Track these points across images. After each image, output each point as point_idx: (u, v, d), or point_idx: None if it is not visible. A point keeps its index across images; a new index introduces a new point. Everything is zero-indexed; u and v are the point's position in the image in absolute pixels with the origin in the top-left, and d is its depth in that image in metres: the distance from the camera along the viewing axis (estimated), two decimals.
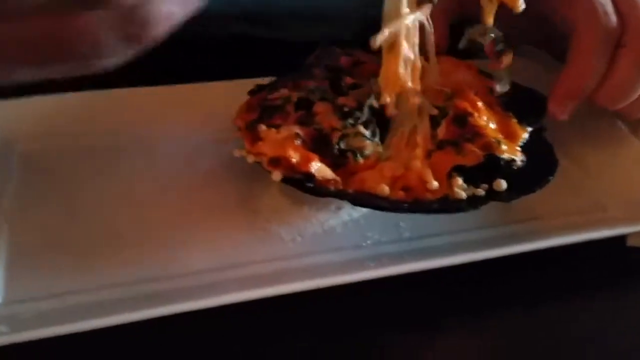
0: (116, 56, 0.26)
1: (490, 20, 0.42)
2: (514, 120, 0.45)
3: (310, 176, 0.38)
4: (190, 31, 0.51)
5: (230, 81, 0.49)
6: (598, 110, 0.46)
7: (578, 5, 0.44)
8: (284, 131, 0.41)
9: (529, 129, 0.45)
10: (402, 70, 0.40)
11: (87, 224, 0.40)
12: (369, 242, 0.41)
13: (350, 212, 0.43)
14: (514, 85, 0.49)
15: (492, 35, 0.43)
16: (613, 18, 0.43)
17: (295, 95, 0.44)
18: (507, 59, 0.43)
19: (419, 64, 0.40)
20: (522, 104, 0.47)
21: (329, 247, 0.40)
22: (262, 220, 0.42)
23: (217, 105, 0.46)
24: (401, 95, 0.41)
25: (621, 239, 0.42)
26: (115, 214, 0.41)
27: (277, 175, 0.39)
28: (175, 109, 0.48)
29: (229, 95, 0.46)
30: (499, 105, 0.47)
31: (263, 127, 0.42)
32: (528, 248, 0.40)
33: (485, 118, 0.44)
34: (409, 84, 0.40)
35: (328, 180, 0.39)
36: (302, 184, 0.38)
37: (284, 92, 0.45)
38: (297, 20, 0.55)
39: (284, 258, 0.39)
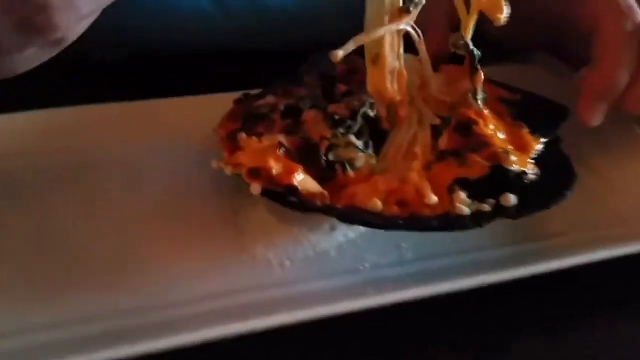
0: (18, 51, 0.23)
1: (467, 33, 0.39)
2: (526, 131, 0.41)
3: (293, 189, 0.34)
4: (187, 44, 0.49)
5: (218, 94, 0.46)
6: (619, 119, 0.42)
7: (598, 1, 0.40)
8: (266, 140, 0.37)
9: (543, 140, 0.41)
10: (389, 83, 0.37)
11: (55, 251, 0.36)
12: (367, 265, 0.38)
13: (346, 233, 0.39)
14: (527, 94, 0.45)
15: (469, 48, 0.39)
16: (637, 10, 0.39)
17: (283, 103, 0.41)
18: (478, 78, 0.40)
19: (405, 74, 0.38)
20: (535, 114, 0.43)
21: (323, 273, 0.37)
22: (248, 241, 0.38)
23: (203, 119, 0.42)
24: (392, 107, 0.39)
25: None
26: (88, 240, 0.37)
27: (256, 189, 0.35)
28: (157, 124, 0.44)
29: (215, 108, 0.42)
30: (509, 115, 0.42)
31: (243, 136, 0.38)
32: (542, 270, 0.35)
33: (492, 127, 0.40)
34: (397, 96, 0.38)
35: (314, 194, 0.35)
36: (284, 198, 0.34)
37: (270, 99, 0.41)
38: (292, 28, 0.52)
39: (272, 286, 0.36)
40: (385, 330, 0.35)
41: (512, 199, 0.36)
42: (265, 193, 0.35)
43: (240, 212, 0.40)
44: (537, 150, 0.40)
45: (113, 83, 0.49)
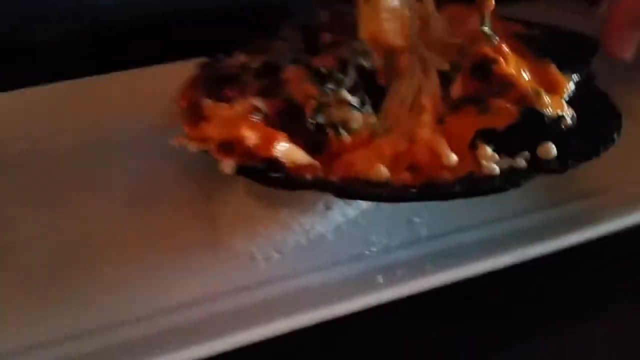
0: None
1: None
2: (554, 67, 0.34)
3: (275, 163, 0.27)
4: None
5: (178, 62, 0.39)
6: None
7: None
8: (238, 105, 0.30)
9: (575, 77, 0.33)
10: (387, 24, 0.33)
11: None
12: (373, 249, 0.31)
13: (345, 211, 0.33)
14: (546, 28, 0.38)
15: None
16: None
17: (257, 61, 0.33)
18: (488, 3, 0.34)
19: (406, 12, 0.33)
20: (559, 49, 0.36)
21: (320, 263, 0.31)
22: (225, 233, 0.32)
23: (161, 93, 0.35)
24: (391, 55, 0.33)
25: None
26: (39, 243, 0.32)
27: (228, 166, 0.28)
28: (109, 102, 0.38)
29: (175, 79, 0.35)
30: (529, 53, 0.35)
31: (208, 103, 0.31)
32: (594, 234, 0.28)
33: (514, 65, 0.32)
34: (397, 41, 0.33)
35: (302, 167, 0.28)
36: (264, 175, 0.27)
37: (241, 58, 0.34)
38: None
39: (258, 285, 0.30)
40: (397, 327, 0.29)
41: (552, 149, 0.29)
42: (241, 171, 0.29)
43: (214, 197, 0.34)
44: (570, 90, 0.33)
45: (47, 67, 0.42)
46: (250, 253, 0.31)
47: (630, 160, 0.35)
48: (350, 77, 0.33)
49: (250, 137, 0.28)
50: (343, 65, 0.33)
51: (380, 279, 0.29)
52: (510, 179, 0.28)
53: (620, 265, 0.32)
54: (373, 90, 0.33)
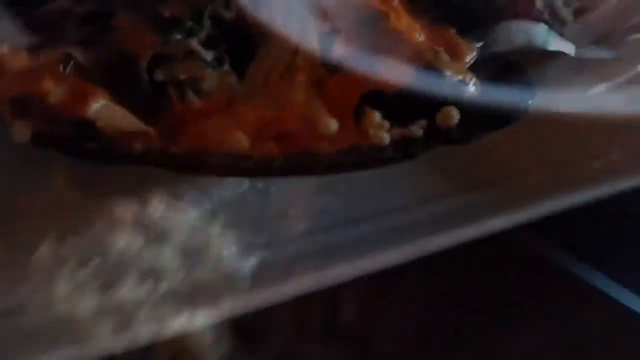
0: None
1: None
2: (453, 32, 0.28)
3: (87, 126, 0.19)
4: None
5: None
6: None
7: None
8: (45, 55, 0.22)
9: (478, 44, 0.29)
10: None
11: None
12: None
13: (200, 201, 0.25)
14: None
15: None
16: None
17: (83, 6, 0.26)
18: None
19: None
20: (460, 12, 0.30)
21: None
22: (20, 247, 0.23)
23: None
24: None
25: None
26: None
27: (23, 131, 0.20)
28: None
29: None
30: (427, 17, 0.30)
31: (3, 51, 0.22)
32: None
33: (407, 23, 0.27)
34: None
35: (129, 135, 0.20)
36: (76, 145, 0.19)
37: (63, 3, 0.26)
38: None
39: None
40: None
41: (454, 115, 0.23)
42: (39, 137, 0.20)
43: (24, 189, 0.24)
44: (473, 56, 0.28)
45: None
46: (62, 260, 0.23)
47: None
48: (205, 27, 0.26)
49: (55, 92, 0.20)
50: (197, 16, 0.26)
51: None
52: (403, 149, 0.22)
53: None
54: (237, 49, 0.26)
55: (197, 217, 0.25)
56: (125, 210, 0.24)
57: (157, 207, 0.25)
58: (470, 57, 0.28)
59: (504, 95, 0.27)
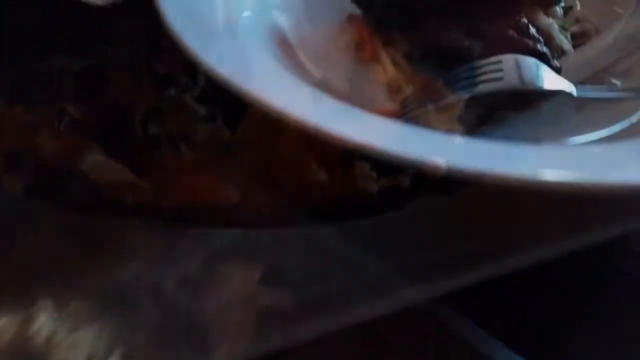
0: None
1: None
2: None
3: (79, 177, 0.20)
4: None
5: None
6: None
7: None
8: (40, 110, 0.22)
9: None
10: None
11: None
12: None
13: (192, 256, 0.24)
14: None
15: None
16: None
17: (80, 63, 0.26)
18: None
19: None
20: None
21: None
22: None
23: None
24: None
25: None
26: None
27: (15, 184, 0.20)
28: None
29: None
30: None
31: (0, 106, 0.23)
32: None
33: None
34: None
35: (121, 186, 0.20)
36: (62, 194, 0.20)
37: (60, 60, 0.27)
38: None
39: None
40: None
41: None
42: (32, 190, 0.21)
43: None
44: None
45: None
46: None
47: None
48: (199, 83, 0.26)
49: (49, 145, 0.21)
50: (191, 71, 0.27)
51: None
52: (390, 200, 0.22)
53: None
54: (230, 103, 0.27)
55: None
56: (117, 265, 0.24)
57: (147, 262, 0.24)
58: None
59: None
